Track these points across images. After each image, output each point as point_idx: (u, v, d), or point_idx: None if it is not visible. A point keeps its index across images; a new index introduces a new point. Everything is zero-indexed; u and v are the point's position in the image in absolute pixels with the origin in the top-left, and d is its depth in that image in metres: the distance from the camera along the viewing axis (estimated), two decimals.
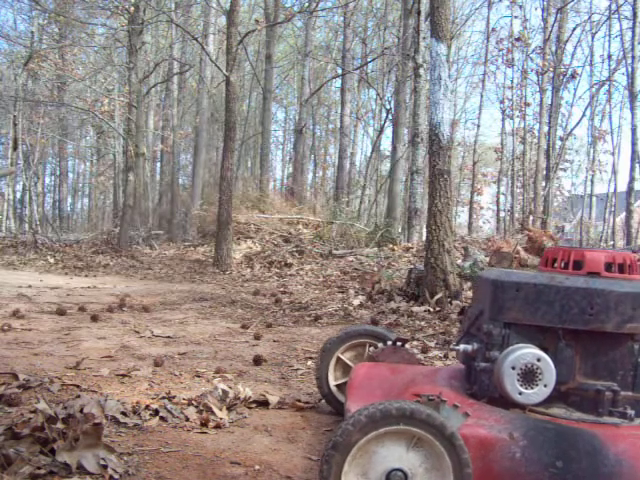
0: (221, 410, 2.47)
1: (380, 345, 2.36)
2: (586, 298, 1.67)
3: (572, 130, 17.78)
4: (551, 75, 15.32)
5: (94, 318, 4.77)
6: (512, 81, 17.23)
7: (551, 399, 1.67)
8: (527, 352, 1.63)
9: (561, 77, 15.41)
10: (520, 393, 1.63)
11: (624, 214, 14.31)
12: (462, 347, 1.84)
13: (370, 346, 2.46)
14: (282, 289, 7.47)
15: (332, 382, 2.52)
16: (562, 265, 1.84)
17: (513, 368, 1.62)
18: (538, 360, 1.62)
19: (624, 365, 1.71)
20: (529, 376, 1.63)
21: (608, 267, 1.78)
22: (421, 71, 10.50)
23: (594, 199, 20.81)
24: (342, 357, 2.52)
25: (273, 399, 2.70)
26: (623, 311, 1.67)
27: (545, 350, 1.67)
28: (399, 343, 2.33)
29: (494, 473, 1.54)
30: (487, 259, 6.59)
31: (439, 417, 1.48)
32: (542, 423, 1.62)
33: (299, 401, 2.69)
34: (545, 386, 1.62)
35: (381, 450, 1.50)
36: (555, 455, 1.53)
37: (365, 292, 6.67)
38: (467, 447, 1.48)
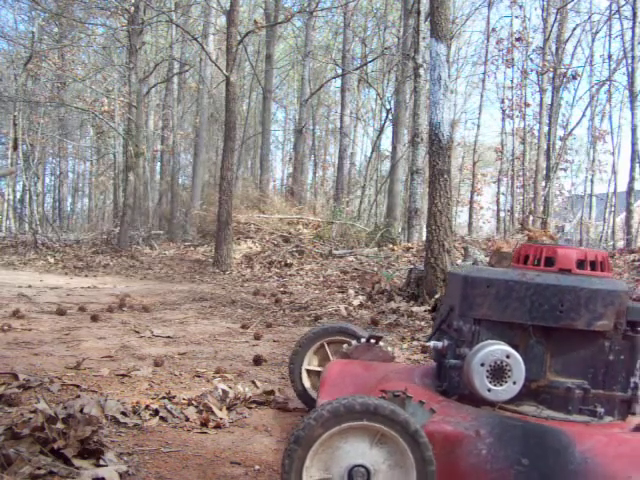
0: (221, 410, 2.47)
1: (354, 342, 2.33)
2: (557, 295, 1.67)
3: (572, 130, 17.79)
4: (551, 75, 15.32)
5: (94, 318, 4.77)
6: (512, 81, 17.24)
7: (521, 396, 1.65)
8: (496, 349, 1.62)
9: (561, 77, 15.41)
10: (489, 390, 1.61)
11: (624, 214, 14.31)
12: (432, 344, 1.83)
13: (341, 343, 2.44)
14: (282, 289, 7.46)
15: (306, 381, 2.50)
16: (534, 262, 1.82)
17: (482, 365, 1.61)
18: (507, 357, 1.61)
19: (595, 363, 1.70)
20: (498, 373, 1.61)
21: (580, 264, 1.76)
22: (421, 71, 10.50)
23: (594, 199, 20.79)
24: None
25: (262, 387, 2.70)
26: (594, 308, 1.66)
27: (515, 347, 1.66)
28: (373, 340, 2.32)
29: (460, 470, 1.53)
30: (487, 259, 6.59)
31: (403, 413, 1.46)
32: (509, 420, 1.61)
33: (291, 402, 2.69)
34: (514, 383, 1.61)
35: (344, 445, 1.47)
36: (521, 452, 1.52)
37: (365, 292, 6.67)
38: (433, 443, 1.46)
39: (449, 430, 1.56)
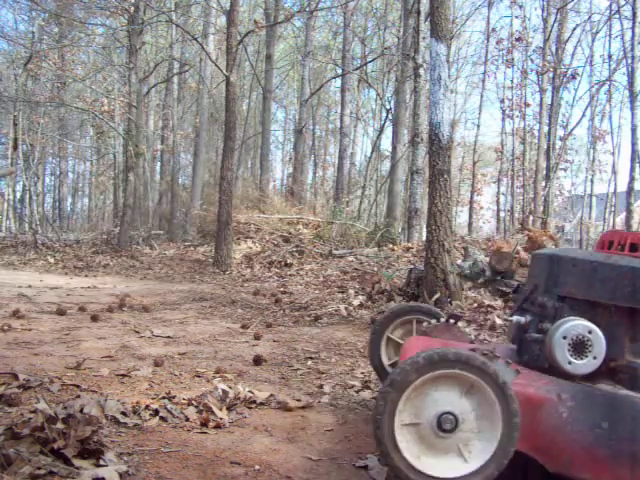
0: (221, 410, 2.47)
1: (433, 321, 2.39)
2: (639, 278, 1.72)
3: (572, 130, 17.77)
4: (551, 75, 15.31)
5: (94, 318, 4.77)
6: (512, 81, 17.22)
7: (599, 374, 1.72)
8: (579, 324, 1.69)
9: (561, 77, 15.41)
10: (569, 363, 1.68)
11: (624, 214, 14.30)
12: (515, 318, 1.90)
13: (419, 322, 2.50)
14: (282, 289, 7.46)
15: (385, 361, 2.56)
16: (618, 248, 1.89)
17: (564, 338, 1.68)
18: (589, 332, 1.67)
19: None
20: (579, 347, 1.68)
21: None
22: (421, 71, 10.50)
23: (594, 199, 20.79)
24: (392, 336, 2.56)
25: (261, 395, 2.70)
26: None
27: (597, 325, 1.72)
28: (452, 320, 2.35)
29: (541, 430, 1.61)
30: (487, 259, 6.58)
31: (493, 365, 1.55)
32: (589, 389, 1.68)
33: (290, 402, 2.69)
34: (594, 358, 1.68)
35: (435, 393, 1.56)
36: (601, 417, 1.60)
37: (365, 292, 6.67)
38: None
39: (532, 392, 1.64)
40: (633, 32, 12.28)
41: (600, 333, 1.68)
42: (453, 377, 1.55)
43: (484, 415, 1.56)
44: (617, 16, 15.01)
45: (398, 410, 1.53)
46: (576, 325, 1.68)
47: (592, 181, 19.90)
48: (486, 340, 4.14)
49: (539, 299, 1.85)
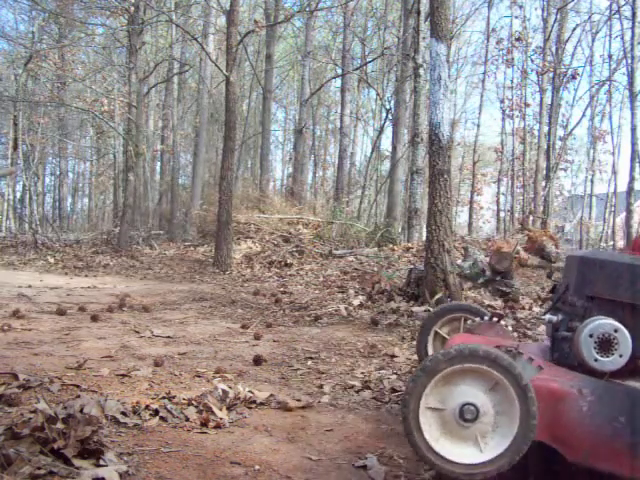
0: (221, 410, 2.47)
1: (477, 319, 2.50)
2: None
3: (572, 130, 17.78)
4: (551, 75, 15.31)
5: (94, 318, 4.77)
6: (512, 81, 17.23)
7: (628, 372, 1.78)
8: (605, 322, 1.76)
9: (561, 77, 15.40)
10: (596, 360, 1.75)
11: (624, 214, 14.31)
12: (548, 317, 2.00)
13: (465, 320, 2.63)
14: (282, 289, 7.46)
15: (430, 347, 2.69)
16: None
17: (591, 336, 1.75)
18: (615, 331, 1.74)
19: None
20: (605, 345, 1.74)
21: None
22: (421, 71, 10.50)
23: (594, 199, 20.79)
24: (439, 331, 2.70)
25: (261, 395, 2.70)
26: None
27: (624, 325, 1.77)
28: (495, 319, 2.46)
29: (562, 423, 1.70)
30: (487, 259, 6.58)
31: (518, 367, 1.65)
32: (610, 384, 1.75)
33: (290, 402, 2.69)
34: (620, 356, 1.74)
35: (462, 384, 1.68)
36: (619, 411, 1.67)
37: (365, 292, 6.67)
38: (539, 397, 1.65)
39: (554, 386, 1.73)
40: (633, 32, 12.28)
41: (626, 332, 1.74)
42: (480, 372, 1.66)
43: (504, 412, 1.66)
44: (617, 16, 15.01)
45: (425, 394, 1.66)
46: (603, 324, 1.75)
47: (592, 181, 19.91)
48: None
49: (570, 299, 1.94)
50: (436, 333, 2.71)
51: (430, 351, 2.68)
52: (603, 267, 1.87)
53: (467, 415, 1.65)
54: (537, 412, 1.62)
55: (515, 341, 2.43)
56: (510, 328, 2.52)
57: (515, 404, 1.63)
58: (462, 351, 1.66)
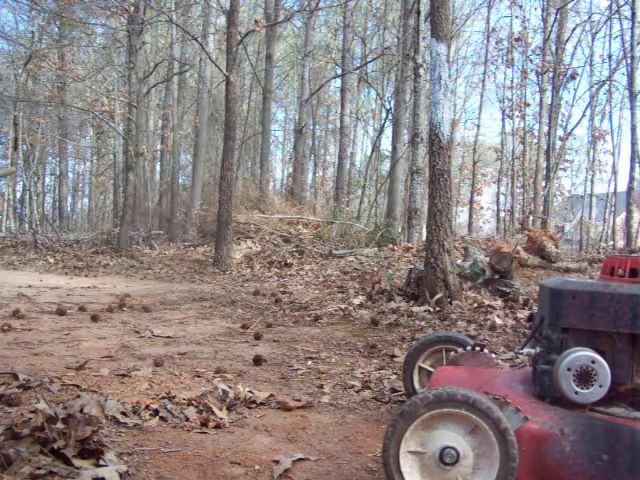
0: (221, 410, 2.47)
1: (460, 350, 2.50)
2: (638, 304, 1.77)
3: (572, 130, 17.77)
4: (551, 75, 15.31)
5: (94, 318, 4.77)
6: (512, 81, 17.23)
7: (611, 399, 1.76)
8: (582, 355, 1.74)
9: (561, 77, 15.40)
10: (576, 392, 1.73)
11: (624, 214, 14.31)
12: (526, 351, 1.98)
13: (448, 351, 2.63)
14: (282, 289, 7.46)
15: (418, 389, 2.67)
16: (620, 273, 1.93)
17: (569, 369, 1.73)
18: (592, 362, 1.72)
19: None
20: (584, 377, 1.73)
21: None
22: (421, 71, 10.50)
23: (594, 199, 20.78)
24: (423, 365, 2.70)
25: (261, 395, 2.70)
26: None
27: (602, 353, 1.77)
28: (477, 348, 2.48)
29: (545, 465, 1.67)
30: (487, 259, 6.58)
31: (497, 411, 1.63)
32: (593, 420, 1.72)
33: (290, 402, 2.69)
34: (600, 386, 1.72)
35: (442, 428, 1.67)
36: (601, 449, 1.64)
37: (365, 292, 6.67)
38: (521, 441, 1.63)
39: (536, 429, 1.70)
40: (633, 32, 12.28)
41: (604, 362, 1.72)
42: (460, 416, 1.65)
43: (484, 454, 1.65)
44: (617, 16, 15.01)
45: (405, 438, 1.65)
46: (579, 357, 1.73)
47: (592, 181, 19.89)
48: (486, 340, 4.14)
49: (544, 332, 1.92)
50: (420, 367, 2.69)
51: (417, 386, 2.67)
52: (575, 297, 1.85)
53: (447, 459, 1.64)
54: (517, 455, 1.61)
55: (499, 368, 2.45)
56: (493, 355, 2.51)
57: (495, 447, 1.62)
58: (440, 395, 1.65)
